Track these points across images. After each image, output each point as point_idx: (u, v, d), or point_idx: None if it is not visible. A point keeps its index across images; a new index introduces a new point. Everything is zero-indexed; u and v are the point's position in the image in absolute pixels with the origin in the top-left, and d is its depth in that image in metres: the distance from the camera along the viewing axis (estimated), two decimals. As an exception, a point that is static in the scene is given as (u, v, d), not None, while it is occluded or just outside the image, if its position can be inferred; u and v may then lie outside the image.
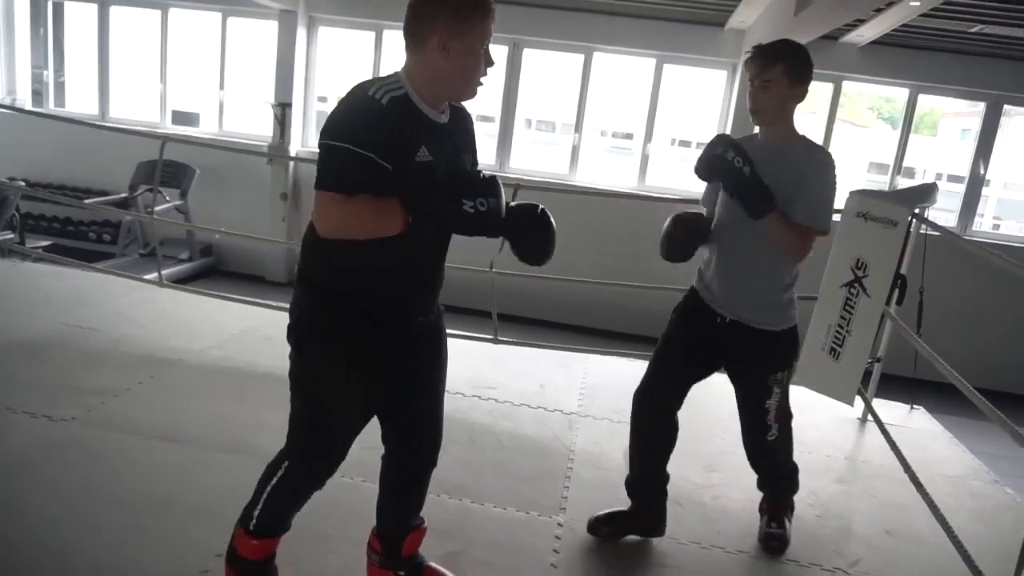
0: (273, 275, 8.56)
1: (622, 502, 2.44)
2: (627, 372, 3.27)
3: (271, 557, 1.90)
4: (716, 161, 2.10)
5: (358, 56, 8.58)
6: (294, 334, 1.74)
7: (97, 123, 8.29)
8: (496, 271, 3.72)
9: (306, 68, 8.56)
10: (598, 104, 8.52)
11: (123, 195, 8.05)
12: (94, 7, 9.09)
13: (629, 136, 9.54)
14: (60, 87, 9.81)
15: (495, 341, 3.91)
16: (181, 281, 6.85)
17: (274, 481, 1.80)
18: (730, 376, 2.38)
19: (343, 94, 1.61)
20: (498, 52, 7.81)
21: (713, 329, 2.28)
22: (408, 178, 1.57)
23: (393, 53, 8.57)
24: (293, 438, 1.81)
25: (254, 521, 1.83)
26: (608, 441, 3.11)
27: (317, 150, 1.59)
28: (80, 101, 9.53)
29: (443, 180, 1.64)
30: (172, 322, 3.99)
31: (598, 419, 3.35)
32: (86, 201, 7.39)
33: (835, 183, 2.17)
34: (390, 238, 1.58)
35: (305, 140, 8.71)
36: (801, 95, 2.18)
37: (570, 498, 2.65)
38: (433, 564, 2.06)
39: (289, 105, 8.31)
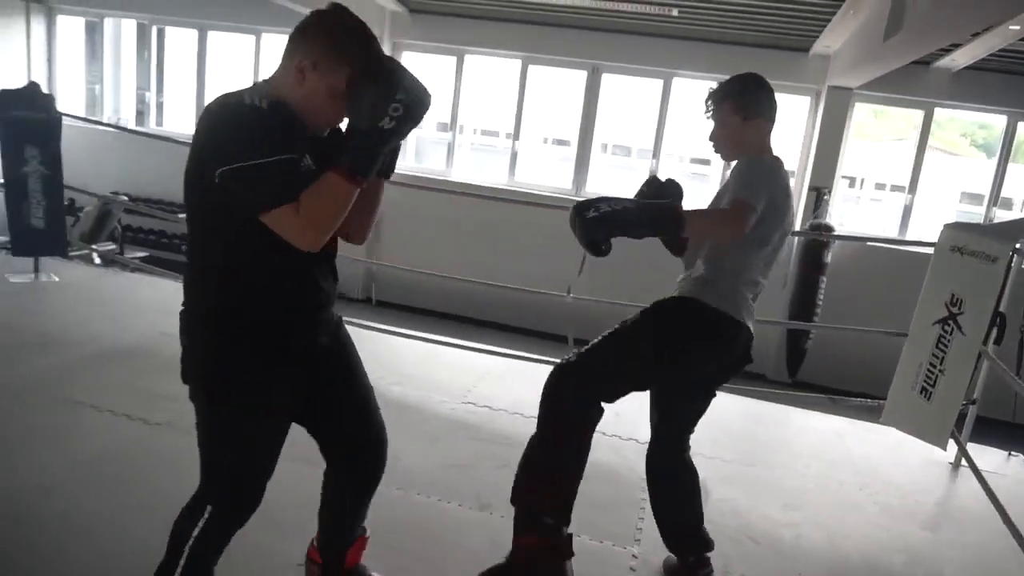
0: (351, 292, 8.78)
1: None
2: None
3: None
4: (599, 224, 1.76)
5: (437, 81, 8.79)
6: (204, 382, 1.61)
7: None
8: (573, 296, 3.73)
9: (389, 91, 8.80)
10: (676, 129, 8.49)
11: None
12: (194, 32, 9.63)
13: (707, 162, 9.43)
14: (160, 108, 10.40)
15: (570, 366, 3.89)
16: (265, 294, 7.08)
17: (196, 535, 1.62)
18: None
19: (214, 116, 1.46)
20: (577, 76, 7.83)
21: None
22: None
23: (474, 77, 8.75)
24: (215, 490, 1.66)
25: None
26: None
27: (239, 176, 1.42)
28: (178, 121, 10.08)
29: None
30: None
31: (673, 449, 3.29)
32: (181, 215, 7.75)
33: (760, 170, 2.02)
34: (282, 252, 1.48)
35: (386, 161, 8.94)
36: (760, 125, 2.10)
37: (645, 530, 2.61)
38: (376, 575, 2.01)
39: (372, 127, 8.55)
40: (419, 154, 9.72)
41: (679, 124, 8.41)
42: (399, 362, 3.94)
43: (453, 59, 8.64)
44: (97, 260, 6.47)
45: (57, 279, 4.65)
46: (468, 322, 8.21)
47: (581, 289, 3.73)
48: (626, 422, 3.53)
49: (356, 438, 1.82)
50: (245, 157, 1.40)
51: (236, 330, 1.57)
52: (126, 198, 6.40)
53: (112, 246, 7.35)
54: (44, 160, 4.21)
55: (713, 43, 7.73)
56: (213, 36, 9.60)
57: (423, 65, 8.91)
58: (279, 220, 1.43)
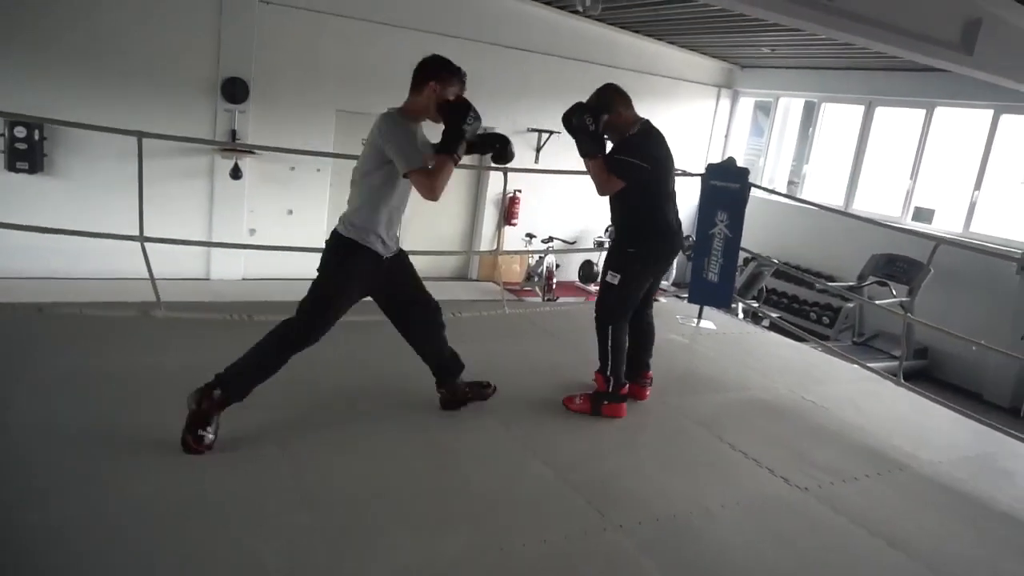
0: (993, 395, 7.57)
1: None
2: None
3: None
4: None
5: None
6: None
7: (836, 208, 8.76)
8: None
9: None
10: None
11: (851, 283, 8.37)
12: (860, 108, 9.74)
13: None
14: (803, 179, 10.79)
15: None
16: (894, 379, 6.66)
17: None
18: None
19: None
20: None
21: None
22: None
23: None
24: None
25: None
26: None
27: None
28: (826, 193, 10.29)
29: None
30: (899, 422, 3.91)
31: None
32: (828, 284, 7.82)
33: None
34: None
35: (1074, 250, 7.46)
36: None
37: None
38: None
39: (1060, 210, 7.25)
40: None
41: None
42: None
43: None
44: (740, 314, 7.09)
45: (714, 327, 5.27)
46: None
47: None
48: None
49: None
50: None
51: None
52: (776, 262, 6.85)
53: (756, 304, 7.95)
54: (729, 224, 4.83)
55: None
56: (881, 111, 9.57)
57: None
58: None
